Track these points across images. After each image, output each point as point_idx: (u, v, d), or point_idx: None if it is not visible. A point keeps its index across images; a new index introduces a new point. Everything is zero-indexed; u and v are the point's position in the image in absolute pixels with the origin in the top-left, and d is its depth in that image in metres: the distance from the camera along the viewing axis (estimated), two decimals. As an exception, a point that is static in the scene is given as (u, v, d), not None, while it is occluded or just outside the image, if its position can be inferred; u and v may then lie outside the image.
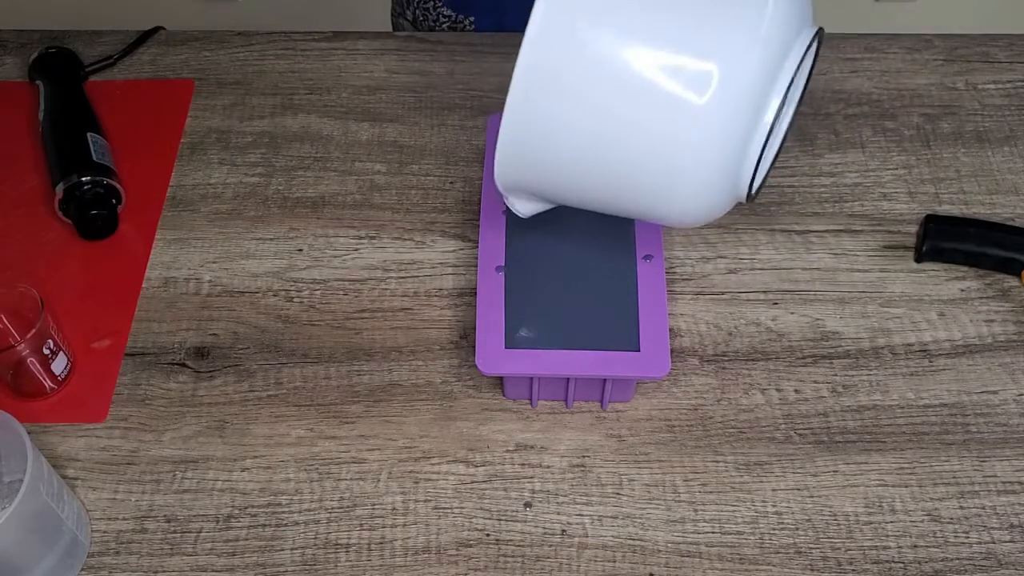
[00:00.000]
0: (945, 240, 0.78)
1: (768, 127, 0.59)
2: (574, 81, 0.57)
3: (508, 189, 0.66)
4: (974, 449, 0.70)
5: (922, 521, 0.67)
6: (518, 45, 0.85)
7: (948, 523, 0.67)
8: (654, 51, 0.56)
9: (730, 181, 0.61)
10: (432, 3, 0.98)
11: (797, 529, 0.67)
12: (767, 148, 0.61)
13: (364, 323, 0.76)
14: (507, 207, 0.74)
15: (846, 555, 0.66)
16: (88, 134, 0.82)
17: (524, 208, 0.69)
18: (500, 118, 0.79)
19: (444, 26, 0.99)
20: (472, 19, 0.98)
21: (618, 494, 0.68)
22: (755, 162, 0.60)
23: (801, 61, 0.58)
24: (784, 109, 0.60)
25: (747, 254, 0.80)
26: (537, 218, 0.74)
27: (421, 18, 1.00)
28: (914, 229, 0.81)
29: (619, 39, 0.56)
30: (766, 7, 0.56)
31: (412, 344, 0.75)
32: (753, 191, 0.62)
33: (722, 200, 0.62)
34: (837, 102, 0.89)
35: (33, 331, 0.68)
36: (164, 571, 0.65)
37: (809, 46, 0.59)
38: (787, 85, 0.58)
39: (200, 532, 0.67)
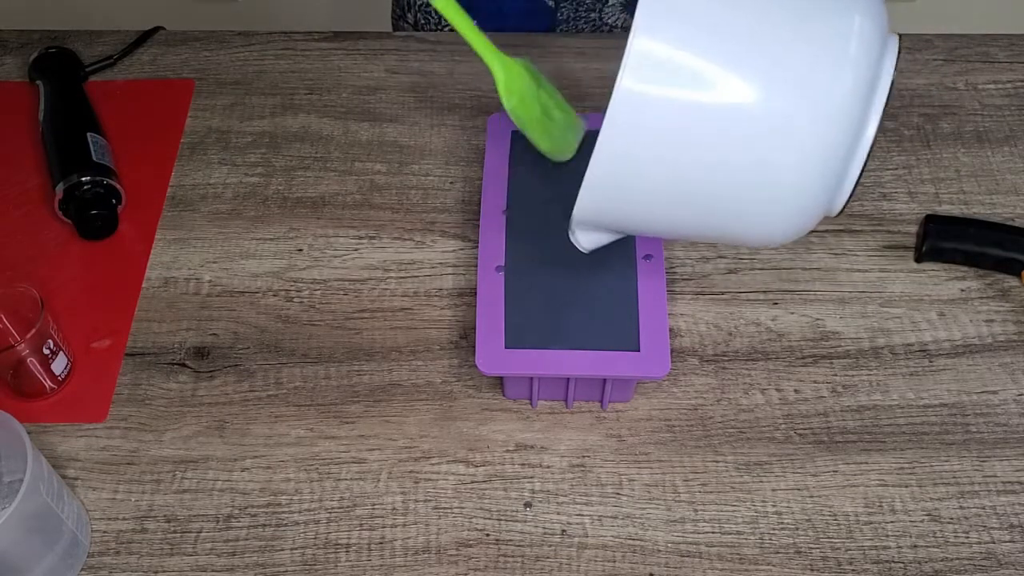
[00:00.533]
0: (945, 240, 0.78)
1: (870, 144, 0.57)
2: (666, 119, 0.55)
3: (580, 225, 0.65)
4: (974, 449, 0.70)
5: (922, 521, 0.67)
6: (519, 45, 0.85)
7: (948, 523, 0.67)
8: (745, 82, 0.55)
9: (827, 199, 0.59)
10: (434, 7, 0.98)
11: (797, 529, 0.67)
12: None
13: (364, 323, 0.76)
14: (505, 209, 0.75)
15: (846, 555, 0.66)
16: (88, 134, 0.82)
17: (588, 241, 0.67)
18: (500, 118, 0.80)
19: (446, 30, 0.99)
20: (474, 22, 0.98)
21: (618, 494, 0.68)
22: (856, 179, 0.59)
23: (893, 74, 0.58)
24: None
25: (747, 254, 0.80)
26: (537, 218, 0.74)
27: (423, 22, 1.00)
28: (914, 229, 0.81)
29: (712, 71, 0.55)
30: (852, 27, 0.55)
31: (412, 344, 0.75)
32: (846, 205, 0.61)
33: (816, 217, 0.61)
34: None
35: (33, 331, 0.68)
36: (164, 571, 0.65)
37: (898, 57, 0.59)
38: (885, 101, 0.57)
39: (200, 532, 0.67)
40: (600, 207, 0.61)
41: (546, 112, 0.71)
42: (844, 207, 0.61)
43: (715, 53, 0.55)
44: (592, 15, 0.98)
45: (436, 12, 0.98)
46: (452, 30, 0.99)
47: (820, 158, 0.56)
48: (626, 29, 0.99)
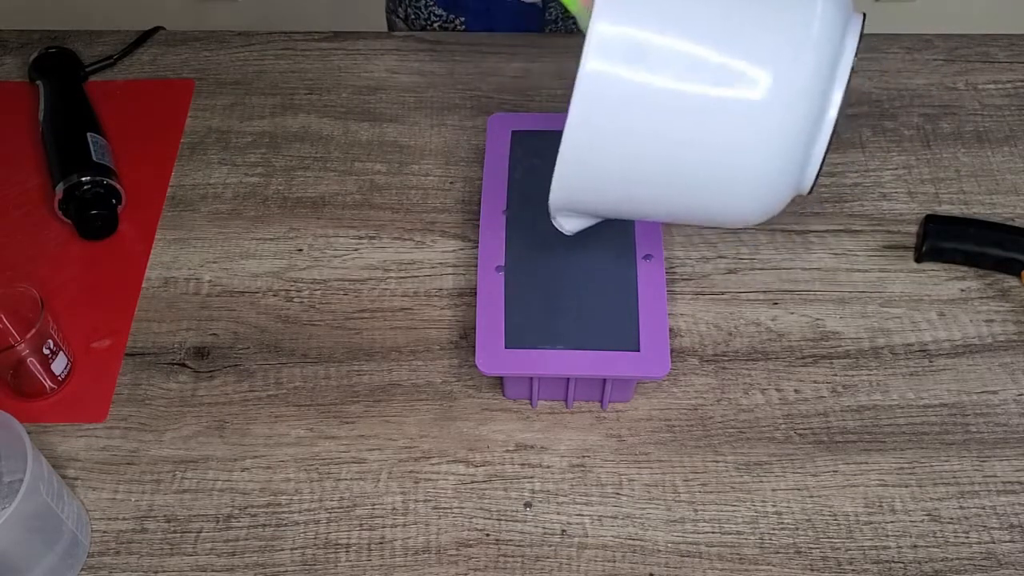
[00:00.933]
0: (945, 240, 0.78)
1: (833, 123, 0.58)
2: (633, 99, 0.56)
3: (558, 210, 0.66)
4: (974, 449, 0.70)
5: (922, 521, 0.67)
6: (518, 45, 0.85)
7: (948, 523, 0.67)
8: (708, 60, 0.56)
9: (795, 178, 0.60)
10: (424, 2, 0.98)
11: (797, 529, 0.67)
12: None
13: (364, 323, 0.76)
14: (505, 209, 0.75)
15: (846, 555, 0.66)
16: (88, 134, 0.82)
17: (571, 226, 0.68)
18: (500, 118, 0.80)
19: (435, 25, 0.99)
20: (463, 20, 0.98)
21: (618, 494, 0.68)
22: (821, 157, 0.59)
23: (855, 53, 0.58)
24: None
25: (747, 254, 0.80)
26: (537, 218, 0.74)
27: (413, 16, 1.00)
28: (914, 229, 0.81)
29: (675, 52, 0.56)
30: (815, 10, 0.56)
31: (412, 344, 0.75)
32: (815, 184, 0.62)
33: (785, 196, 0.62)
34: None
35: (33, 331, 0.68)
36: (164, 571, 0.65)
37: (860, 37, 0.59)
38: (847, 80, 0.58)
39: (200, 532, 0.67)
40: (572, 191, 0.62)
41: None
42: (813, 186, 0.61)
43: (679, 35, 0.56)
44: None
45: (426, 8, 0.98)
46: (442, 28, 0.99)
47: (783, 139, 0.57)
48: None
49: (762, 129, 0.57)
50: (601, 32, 0.55)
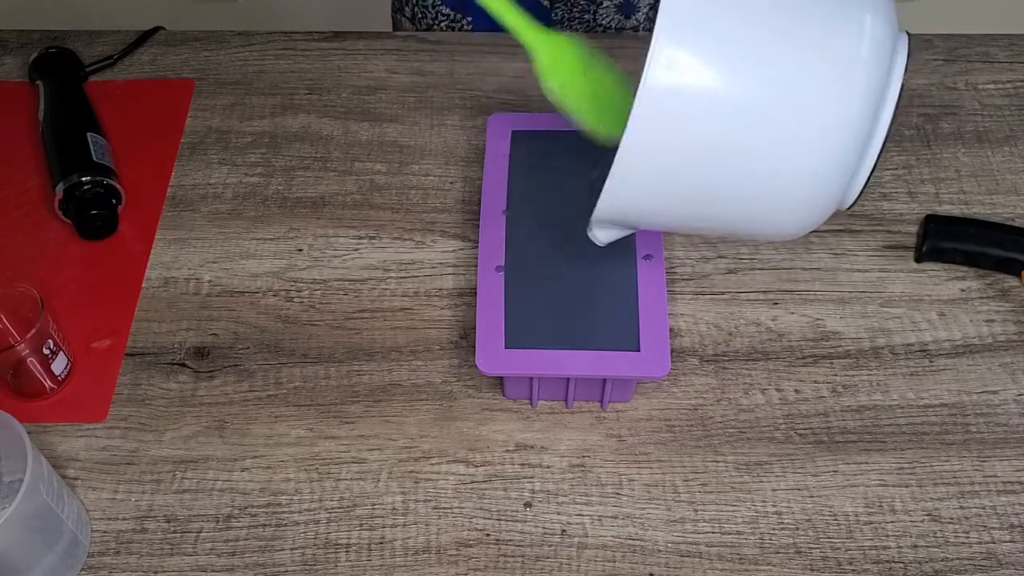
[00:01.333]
0: (945, 240, 0.78)
1: (881, 142, 0.59)
2: (691, 118, 0.57)
3: (600, 224, 0.66)
4: (974, 449, 0.70)
5: (922, 521, 0.67)
6: (518, 45, 0.85)
7: (948, 523, 0.67)
8: (764, 82, 0.56)
9: (840, 194, 0.61)
10: (431, 1, 0.98)
11: (797, 529, 0.67)
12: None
13: (364, 323, 0.76)
14: (505, 209, 0.75)
15: (846, 555, 0.66)
16: (88, 134, 0.82)
17: (605, 237, 0.68)
18: (500, 118, 0.80)
19: (442, 25, 0.99)
20: (470, 19, 0.98)
21: (618, 494, 0.68)
22: (868, 175, 0.60)
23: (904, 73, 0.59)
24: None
25: (747, 254, 0.80)
26: (537, 218, 0.74)
27: (420, 15, 1.00)
28: (914, 229, 0.81)
29: (733, 73, 0.56)
30: (864, 28, 0.56)
31: (412, 344, 0.75)
32: (856, 200, 0.63)
33: (829, 212, 0.63)
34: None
35: (33, 331, 0.68)
36: (164, 571, 0.65)
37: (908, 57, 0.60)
38: (896, 99, 0.59)
39: (200, 532, 0.67)
40: (623, 203, 0.62)
41: (601, 89, 0.69)
42: (855, 201, 0.62)
43: (737, 56, 0.56)
44: (586, 16, 0.98)
45: (433, 7, 0.98)
46: (449, 27, 0.99)
47: (832, 161, 0.58)
48: (620, 30, 0.99)
49: (815, 151, 0.57)
50: (664, 50, 0.55)
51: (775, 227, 0.63)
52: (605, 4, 0.96)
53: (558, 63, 0.67)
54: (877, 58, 0.57)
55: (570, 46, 0.68)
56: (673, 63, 0.55)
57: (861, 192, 0.61)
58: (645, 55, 0.55)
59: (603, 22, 0.98)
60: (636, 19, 0.99)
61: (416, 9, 1.00)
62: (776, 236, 0.65)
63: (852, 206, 0.63)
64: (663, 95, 0.56)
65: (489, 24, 0.98)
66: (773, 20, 0.57)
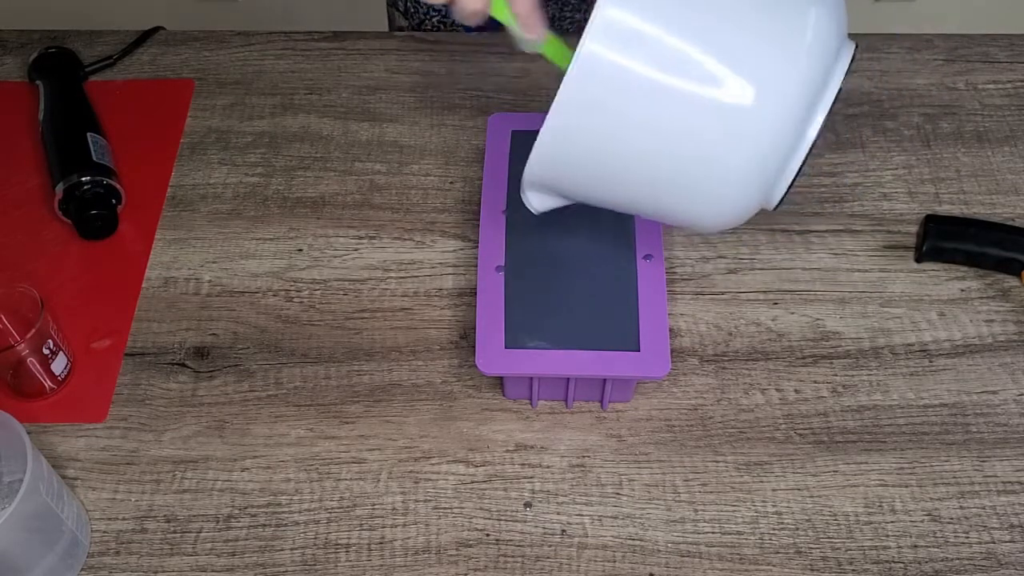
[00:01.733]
0: (945, 240, 0.78)
1: (811, 142, 0.59)
2: (625, 85, 0.57)
3: (530, 185, 0.66)
4: (974, 449, 0.70)
5: (922, 521, 0.67)
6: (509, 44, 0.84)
7: (948, 523, 0.67)
8: (701, 59, 0.56)
9: (764, 190, 0.61)
10: None
11: (797, 529, 0.67)
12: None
13: (364, 323, 0.76)
14: (505, 209, 0.75)
15: (846, 555, 0.66)
16: (88, 134, 0.82)
17: (539, 204, 0.68)
18: (500, 118, 0.80)
19: (434, 19, 0.99)
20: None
21: (618, 494, 0.68)
22: (795, 173, 0.60)
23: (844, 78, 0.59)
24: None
25: (747, 254, 0.80)
26: (537, 218, 0.74)
27: (412, 10, 1.00)
28: (914, 229, 0.81)
29: (671, 46, 0.56)
30: (807, 21, 0.57)
31: (412, 344, 0.75)
32: (782, 199, 0.62)
33: (751, 208, 0.62)
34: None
35: (33, 331, 0.68)
36: (164, 571, 0.65)
37: (851, 63, 0.60)
38: (831, 102, 0.59)
39: (200, 532, 0.67)
40: (549, 167, 0.62)
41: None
42: (780, 202, 0.62)
43: (677, 29, 0.56)
44: (576, 16, 0.98)
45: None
46: (440, 22, 0.99)
47: (760, 147, 0.58)
48: None
49: (742, 133, 0.57)
50: (606, 15, 0.55)
51: (697, 214, 0.62)
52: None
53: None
54: (819, 51, 0.57)
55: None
56: (614, 27, 0.56)
57: (785, 195, 0.61)
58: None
59: None
60: None
61: (409, 3, 1.00)
62: (698, 224, 0.64)
63: (777, 207, 0.62)
64: (600, 58, 0.56)
65: (475, 25, 0.98)
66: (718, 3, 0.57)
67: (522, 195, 0.68)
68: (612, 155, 0.60)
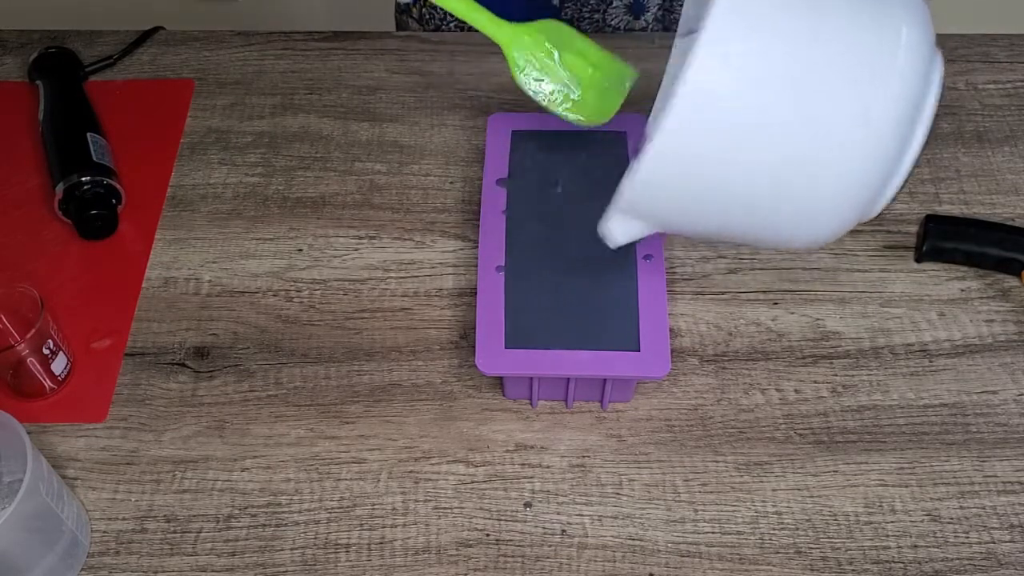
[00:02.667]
0: (945, 240, 0.78)
1: (914, 158, 0.59)
2: (722, 119, 0.57)
3: (624, 211, 0.64)
4: (974, 449, 0.70)
5: (922, 521, 0.67)
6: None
7: (948, 523, 0.67)
8: (809, 82, 0.56)
9: (868, 206, 0.61)
10: None
11: (797, 529, 0.67)
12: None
13: (364, 323, 0.76)
14: (505, 209, 0.75)
15: (846, 555, 0.66)
16: (88, 134, 0.82)
17: (621, 234, 0.66)
18: (500, 118, 0.80)
19: (451, 25, 0.99)
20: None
21: (618, 494, 0.68)
22: (895, 190, 0.60)
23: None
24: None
25: (747, 254, 0.80)
26: (537, 218, 0.74)
27: (427, 16, 1.00)
28: (914, 229, 0.81)
29: (779, 70, 0.56)
30: (899, 38, 0.57)
31: (412, 344, 0.75)
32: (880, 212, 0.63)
33: (854, 222, 0.62)
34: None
35: (33, 331, 0.68)
36: (164, 571, 0.65)
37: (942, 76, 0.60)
38: (932, 115, 0.59)
39: (200, 532, 0.67)
40: (644, 203, 0.62)
41: (574, 75, 0.71)
42: (881, 211, 0.62)
43: (777, 59, 0.56)
44: (596, 16, 0.98)
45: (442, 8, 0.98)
46: (458, 28, 0.99)
47: (867, 171, 0.58)
48: (629, 31, 0.99)
49: (850, 158, 0.57)
50: (711, 48, 0.55)
51: (801, 234, 0.62)
52: (615, 4, 0.96)
53: (521, 55, 0.70)
54: (912, 71, 0.57)
55: (537, 36, 0.70)
56: (716, 64, 0.55)
57: (888, 204, 0.61)
58: (666, 54, 0.55)
59: (612, 23, 0.98)
60: (645, 20, 0.99)
61: (424, 10, 1.00)
62: (800, 243, 0.64)
63: (877, 216, 0.63)
64: (702, 96, 0.56)
65: None
66: (814, 30, 0.57)
67: (604, 225, 0.65)
68: (715, 181, 0.59)
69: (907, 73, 0.57)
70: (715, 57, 0.55)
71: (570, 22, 0.98)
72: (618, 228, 0.65)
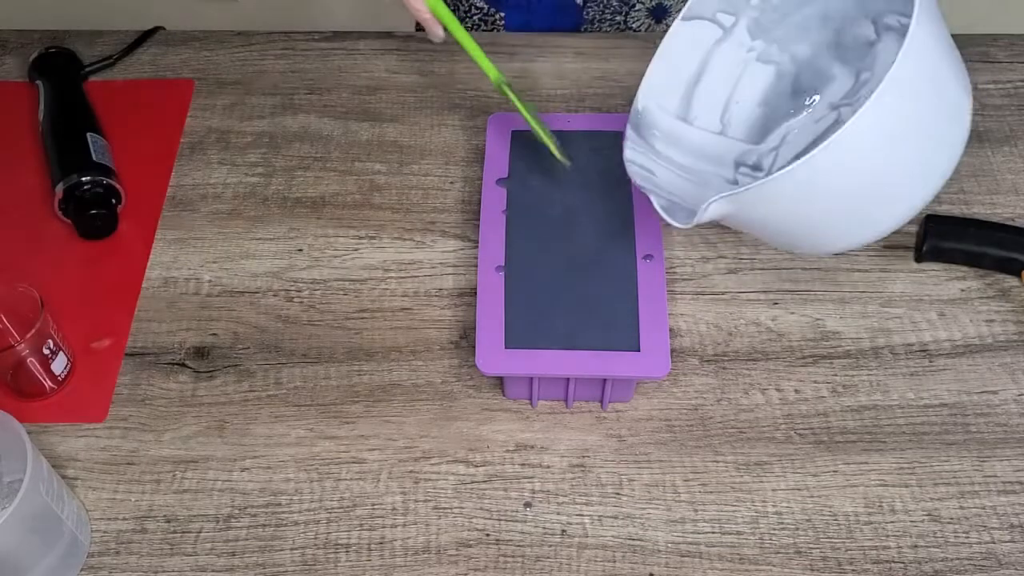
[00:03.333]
0: (945, 240, 0.78)
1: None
2: (858, 159, 0.61)
3: (712, 217, 0.66)
4: (974, 449, 0.70)
5: (922, 521, 0.67)
6: (519, 45, 0.86)
7: (948, 523, 0.67)
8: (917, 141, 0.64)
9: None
10: None
11: (797, 529, 0.67)
12: None
13: (364, 323, 0.76)
14: (505, 209, 0.75)
15: (846, 555, 0.66)
16: (88, 134, 0.82)
17: (684, 219, 0.67)
18: (500, 118, 0.80)
19: (475, 18, 0.99)
20: (503, 15, 0.98)
21: (618, 494, 0.68)
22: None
23: None
24: None
25: (747, 254, 0.80)
26: (537, 218, 0.74)
27: (452, 8, 1.00)
28: (914, 229, 0.81)
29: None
30: (970, 107, 0.65)
31: (412, 344, 0.75)
32: None
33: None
34: None
35: (33, 331, 0.68)
36: (164, 571, 0.65)
37: None
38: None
39: (200, 532, 0.67)
40: (732, 211, 0.65)
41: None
42: None
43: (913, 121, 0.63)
44: (618, 18, 0.98)
45: (466, 0, 0.98)
46: (482, 21, 0.99)
47: (915, 212, 0.67)
48: (650, 33, 0.99)
49: (912, 209, 0.66)
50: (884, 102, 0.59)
51: (833, 246, 0.70)
52: (637, 7, 0.96)
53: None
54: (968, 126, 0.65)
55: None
56: (883, 112, 0.59)
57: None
58: None
59: (634, 25, 0.98)
60: (667, 23, 0.99)
61: (448, 2, 1.00)
62: (828, 251, 0.73)
63: None
64: (855, 137, 0.59)
65: (521, 19, 0.98)
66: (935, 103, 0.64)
67: (704, 206, 0.64)
68: (813, 208, 0.65)
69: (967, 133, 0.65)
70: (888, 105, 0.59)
71: (591, 22, 0.98)
72: (715, 208, 0.64)
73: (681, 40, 0.74)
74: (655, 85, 0.75)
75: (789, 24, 0.75)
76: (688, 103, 0.77)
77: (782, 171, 0.59)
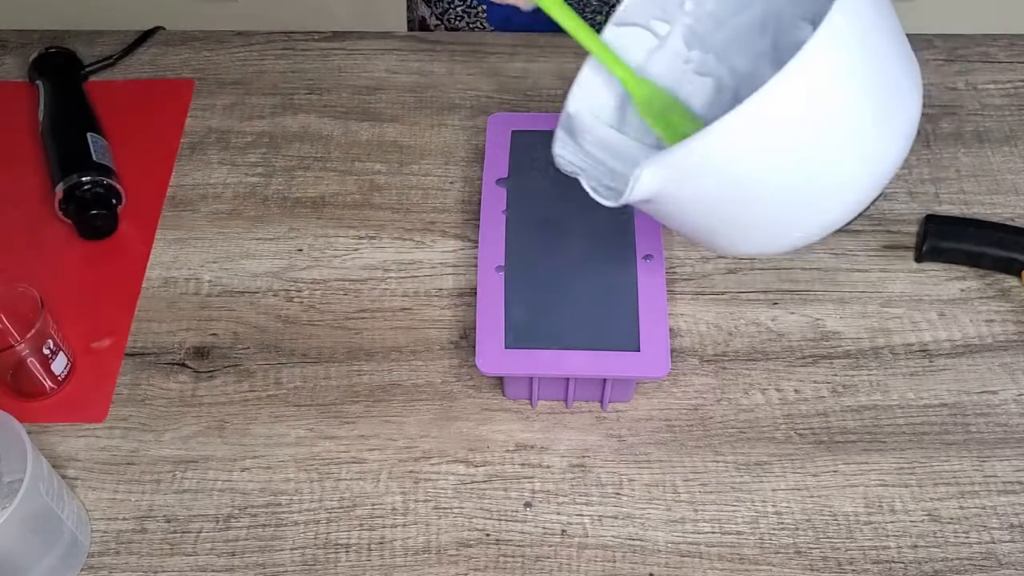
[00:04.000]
0: (945, 240, 0.78)
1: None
2: (783, 130, 0.57)
3: (638, 198, 0.62)
4: (974, 449, 0.70)
5: (922, 521, 0.67)
6: (518, 45, 0.85)
7: (948, 523, 0.67)
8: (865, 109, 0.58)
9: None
10: None
11: (797, 529, 0.67)
12: None
13: (364, 323, 0.76)
14: (505, 209, 0.75)
15: (846, 555, 0.66)
16: (88, 134, 0.82)
17: (638, 193, 0.62)
18: (500, 118, 0.80)
19: (457, 9, 0.99)
20: (484, 7, 0.98)
21: (618, 494, 0.68)
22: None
23: None
24: None
25: (747, 254, 0.80)
26: (537, 218, 0.74)
27: None
28: (914, 229, 0.81)
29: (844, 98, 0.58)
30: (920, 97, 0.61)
31: (412, 344, 0.75)
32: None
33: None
34: None
35: (33, 331, 0.68)
36: (164, 571, 0.66)
37: None
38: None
39: (200, 532, 0.67)
40: (661, 187, 0.60)
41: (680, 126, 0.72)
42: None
43: (854, 92, 0.58)
44: (598, 18, 0.98)
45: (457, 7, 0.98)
46: (465, 12, 0.99)
47: (863, 203, 0.61)
48: None
49: (851, 204, 0.61)
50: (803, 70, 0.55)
51: (770, 244, 0.64)
52: (616, 7, 0.96)
53: (650, 100, 0.71)
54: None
55: (656, 88, 0.71)
56: (804, 85, 0.55)
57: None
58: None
59: None
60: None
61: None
62: (764, 251, 0.67)
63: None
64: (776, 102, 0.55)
65: (500, 15, 0.98)
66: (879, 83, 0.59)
67: (636, 172, 0.60)
68: (733, 189, 0.60)
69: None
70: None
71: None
72: (647, 179, 0.60)
73: (614, 48, 0.71)
74: (588, 91, 0.71)
75: (726, 31, 0.71)
76: (623, 114, 0.73)
77: (716, 122, 0.56)
